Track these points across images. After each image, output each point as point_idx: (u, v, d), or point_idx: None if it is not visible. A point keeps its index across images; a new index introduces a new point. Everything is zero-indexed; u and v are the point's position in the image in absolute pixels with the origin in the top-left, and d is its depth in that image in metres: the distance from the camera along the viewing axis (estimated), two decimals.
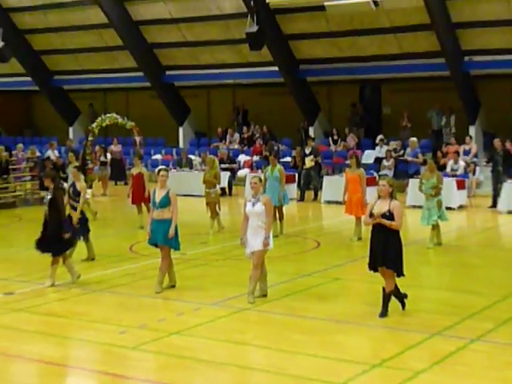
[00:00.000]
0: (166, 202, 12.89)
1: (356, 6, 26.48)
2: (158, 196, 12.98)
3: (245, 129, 31.93)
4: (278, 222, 18.33)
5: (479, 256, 16.89)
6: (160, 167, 14.69)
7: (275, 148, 28.34)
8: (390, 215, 11.03)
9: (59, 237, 13.40)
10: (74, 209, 15.33)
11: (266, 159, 23.98)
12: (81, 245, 15.17)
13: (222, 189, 25.15)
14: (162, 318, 11.52)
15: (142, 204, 19.87)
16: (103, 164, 29.93)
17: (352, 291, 13.52)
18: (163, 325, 11.11)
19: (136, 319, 11.39)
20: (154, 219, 13.03)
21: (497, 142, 23.74)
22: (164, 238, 12.92)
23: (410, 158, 26.42)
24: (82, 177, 17.63)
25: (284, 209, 18.90)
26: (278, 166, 19.11)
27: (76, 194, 15.61)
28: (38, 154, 29.78)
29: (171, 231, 12.84)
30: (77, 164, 23.58)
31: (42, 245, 13.55)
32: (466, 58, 26.72)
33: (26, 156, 29.04)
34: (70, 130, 35.89)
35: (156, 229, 12.98)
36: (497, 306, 11.87)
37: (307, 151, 26.60)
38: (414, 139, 26.92)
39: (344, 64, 28.91)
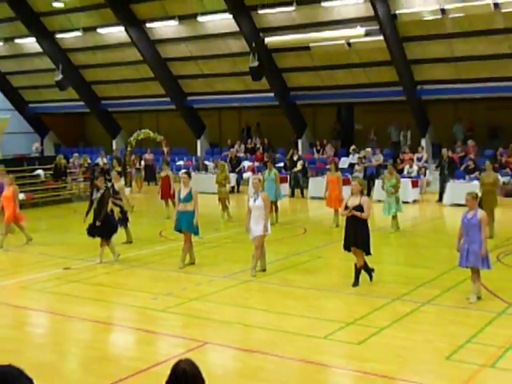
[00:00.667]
0: (189, 198, 12.91)
1: (333, 46, 26.51)
2: (183, 193, 13.00)
3: (249, 141, 31.90)
4: (274, 213, 18.31)
5: (429, 239, 16.88)
6: (183, 171, 14.71)
7: (273, 156, 28.31)
8: (360, 208, 11.06)
9: (105, 224, 13.51)
10: (115, 204, 15.41)
11: (265, 164, 23.91)
12: (121, 231, 15.19)
13: (232, 187, 25.30)
14: (184, 287, 11.56)
15: (169, 199, 19.91)
16: (138, 169, 29.98)
17: (331, 266, 13.53)
18: (185, 293, 11.15)
19: (164, 288, 11.44)
20: (179, 211, 13.04)
21: (444, 152, 23.72)
22: (186, 225, 12.94)
23: (367, 164, 26.45)
24: (122, 179, 17.63)
25: (279, 203, 18.91)
26: (274, 170, 19.13)
27: (114, 193, 15.68)
28: (89, 161, 29.82)
29: (195, 220, 12.87)
30: (119, 169, 23.61)
31: (93, 231, 13.65)
32: (418, 87, 26.65)
33: (79, 162, 29.07)
34: (113, 142, 35.84)
35: (180, 218, 13.00)
36: (442, 277, 11.89)
37: (295, 158, 26.75)
38: (368, 149, 27.01)
39: (325, 91, 28.85)
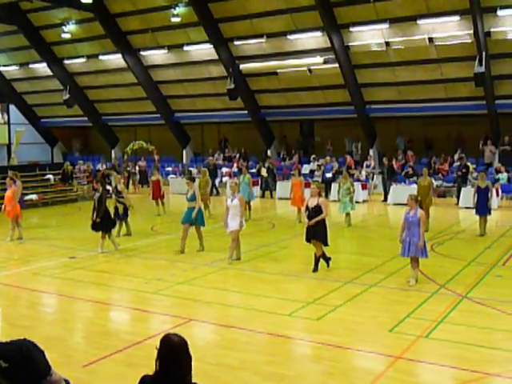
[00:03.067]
0: (193, 198, 13.18)
1: (297, 72, 26.62)
2: (188, 194, 13.25)
3: (226, 150, 31.85)
4: (248, 211, 18.34)
5: (375, 232, 17.01)
6: (186, 176, 14.71)
7: (246, 163, 28.27)
8: (318, 207, 11.10)
9: (105, 220, 13.43)
10: (119, 202, 15.47)
11: (240, 170, 23.87)
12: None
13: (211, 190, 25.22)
14: (172, 273, 11.51)
15: (159, 200, 19.83)
16: (133, 173, 29.78)
17: (295, 255, 13.54)
18: (173, 278, 11.10)
19: (155, 274, 11.38)
20: (188, 208, 13.29)
21: (385, 160, 23.98)
22: (188, 218, 13.14)
23: (323, 168, 26.66)
24: (122, 181, 17.55)
25: (251, 203, 18.93)
26: (248, 175, 19.15)
27: (117, 192, 15.61)
28: (91, 167, 29.60)
29: (194, 214, 13.04)
30: (117, 173, 23.41)
31: (96, 227, 13.55)
32: (367, 106, 26.89)
33: (84, 168, 28.83)
34: (112, 151, 35.56)
35: (187, 213, 13.24)
36: (386, 264, 12.00)
37: (266, 165, 26.80)
38: (328, 158, 27.15)
39: (290, 109, 28.94)
